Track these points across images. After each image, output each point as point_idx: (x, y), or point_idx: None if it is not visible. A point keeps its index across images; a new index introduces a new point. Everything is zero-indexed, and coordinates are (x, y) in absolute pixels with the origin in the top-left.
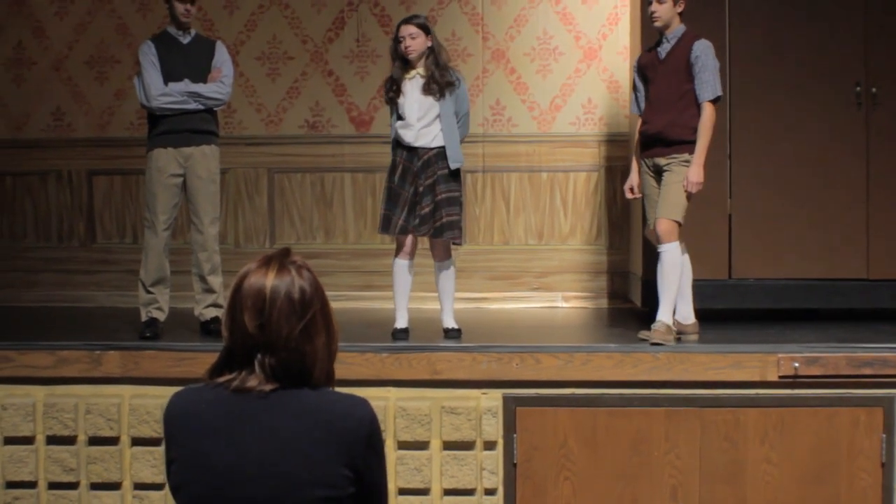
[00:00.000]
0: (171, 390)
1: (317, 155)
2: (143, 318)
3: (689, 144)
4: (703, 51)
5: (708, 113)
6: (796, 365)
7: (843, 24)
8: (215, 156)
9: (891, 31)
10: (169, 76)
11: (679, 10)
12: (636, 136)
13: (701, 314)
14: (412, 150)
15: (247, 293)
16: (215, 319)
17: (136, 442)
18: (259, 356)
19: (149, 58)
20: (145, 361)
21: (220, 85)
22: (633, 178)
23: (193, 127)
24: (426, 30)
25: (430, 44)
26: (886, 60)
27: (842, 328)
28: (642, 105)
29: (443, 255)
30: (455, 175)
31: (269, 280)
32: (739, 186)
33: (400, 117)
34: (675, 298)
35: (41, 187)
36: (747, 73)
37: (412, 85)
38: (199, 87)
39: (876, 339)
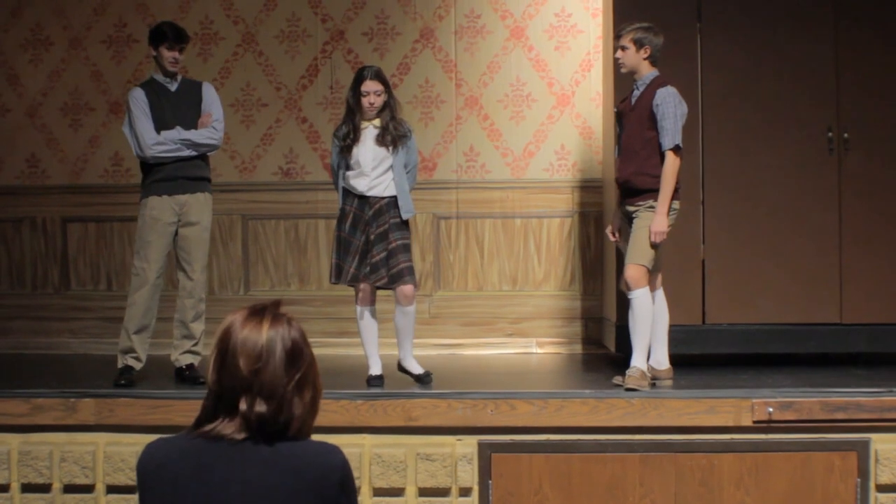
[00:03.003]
0: (146, 437)
1: (290, 202)
2: (119, 364)
3: (652, 193)
4: (664, 98)
5: (670, 161)
6: (770, 410)
7: (815, 69)
8: (209, 203)
9: (862, 76)
10: (159, 124)
11: (644, 56)
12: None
13: (675, 359)
14: (363, 199)
15: (242, 341)
16: (191, 366)
17: (112, 489)
18: (245, 401)
19: (140, 106)
20: (120, 409)
21: (212, 130)
22: (615, 222)
23: (188, 174)
24: (386, 83)
25: (387, 96)
26: (858, 106)
27: (816, 373)
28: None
29: (403, 301)
30: (406, 224)
31: (264, 331)
32: (712, 232)
33: (349, 167)
34: (648, 343)
35: (15, 234)
36: (720, 118)
37: (366, 135)
38: (192, 135)
39: (850, 383)
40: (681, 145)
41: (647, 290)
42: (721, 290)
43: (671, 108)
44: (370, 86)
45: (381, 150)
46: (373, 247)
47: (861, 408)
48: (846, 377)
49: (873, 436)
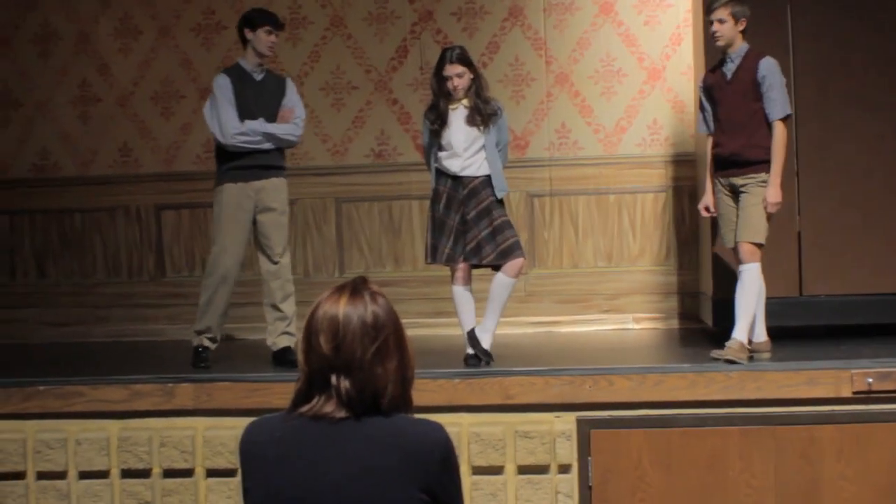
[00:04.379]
0: (244, 421)
1: (383, 183)
2: (195, 344)
3: (764, 164)
4: (769, 69)
5: (780, 132)
6: (870, 380)
7: None
8: (284, 188)
9: None
10: (241, 112)
11: (740, 28)
12: (708, 155)
13: (772, 332)
14: (457, 180)
15: (321, 318)
16: (287, 350)
17: (211, 473)
18: (334, 378)
19: (225, 93)
20: (218, 393)
21: (294, 126)
22: (708, 198)
23: (263, 163)
24: (469, 63)
25: (472, 76)
26: None
27: None
28: (711, 125)
29: (513, 272)
30: (501, 202)
31: (342, 305)
32: (808, 203)
33: (441, 147)
34: (753, 318)
35: (110, 223)
36: (813, 87)
37: (456, 115)
38: (275, 128)
39: None
40: (791, 114)
41: (758, 265)
42: (817, 262)
43: (777, 77)
44: (451, 69)
45: (473, 130)
46: (473, 226)
47: None
48: None
49: None
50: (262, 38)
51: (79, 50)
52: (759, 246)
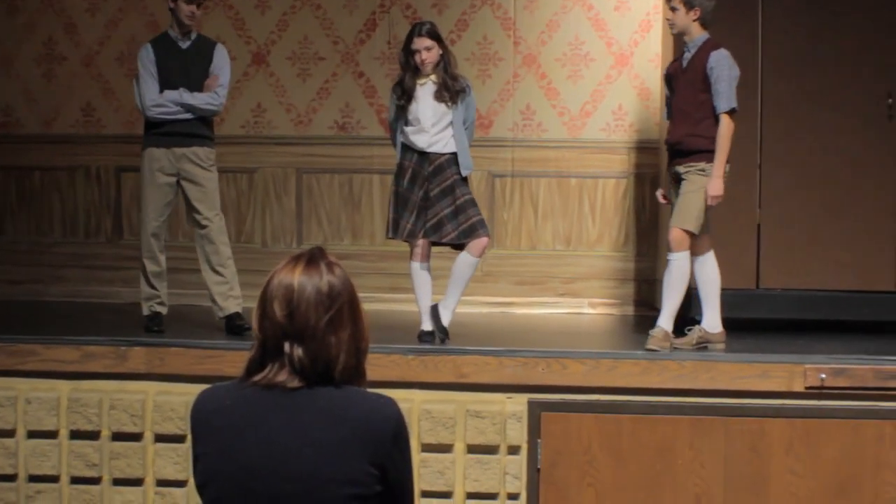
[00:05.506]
0: (196, 388)
1: (346, 156)
2: (146, 311)
3: (705, 154)
4: (719, 61)
5: (725, 124)
6: (823, 376)
7: (877, 34)
8: (208, 155)
9: None
10: (166, 83)
11: (694, 17)
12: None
13: (728, 323)
14: (423, 155)
15: (276, 286)
16: (237, 315)
17: (160, 438)
18: (287, 346)
19: (146, 66)
20: (171, 358)
21: (213, 96)
22: (665, 185)
23: (186, 131)
24: (438, 38)
25: (441, 52)
26: None
27: (869, 340)
28: (669, 113)
29: (476, 252)
30: (465, 179)
31: (297, 274)
32: (769, 196)
33: (408, 122)
34: (678, 307)
35: (69, 183)
36: (779, 82)
37: (424, 91)
38: (192, 99)
39: None
40: (736, 108)
41: (687, 254)
42: (776, 255)
43: (725, 70)
44: (419, 43)
45: (441, 106)
46: (435, 203)
47: None
48: None
49: None
50: (182, 8)
51: (45, 7)
52: (691, 235)
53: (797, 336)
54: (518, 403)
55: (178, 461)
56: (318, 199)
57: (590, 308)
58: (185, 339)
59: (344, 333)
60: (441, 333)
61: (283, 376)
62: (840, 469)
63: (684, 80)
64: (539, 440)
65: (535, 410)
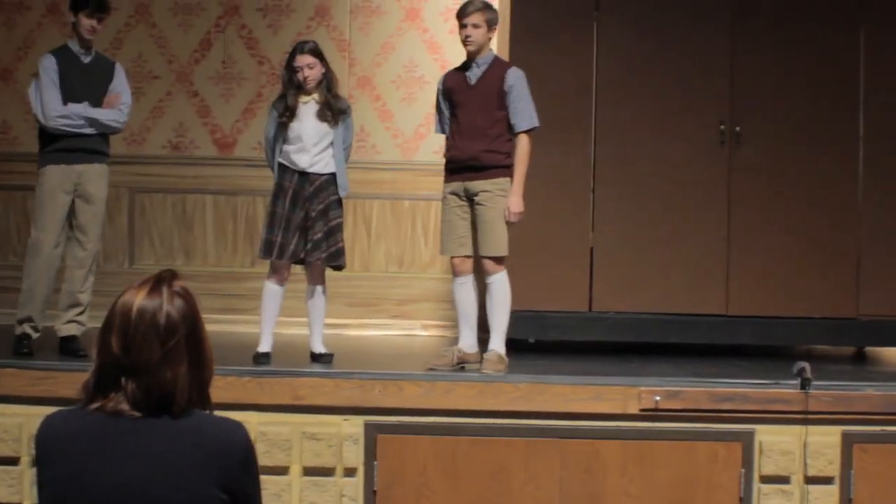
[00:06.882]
0: (29, 409)
1: (179, 176)
2: (17, 332)
3: (503, 169)
4: (518, 80)
5: (524, 143)
6: (657, 398)
7: (711, 61)
8: (105, 175)
9: (757, 70)
10: (67, 95)
11: (490, 36)
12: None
13: (562, 345)
14: (304, 176)
15: (117, 312)
16: (74, 339)
17: None
18: (123, 380)
19: (50, 74)
20: (5, 379)
21: (118, 112)
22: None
23: (87, 147)
24: (321, 56)
25: (324, 70)
26: (751, 100)
27: (702, 363)
28: (446, 128)
29: (319, 280)
30: (341, 202)
31: (138, 300)
32: (601, 220)
33: (287, 140)
34: (506, 326)
35: None
36: (613, 106)
37: (307, 109)
38: (98, 114)
39: (736, 374)
40: (538, 126)
41: (504, 272)
42: (609, 278)
43: (525, 89)
44: (302, 60)
45: (323, 126)
46: (314, 224)
47: (747, 399)
48: (732, 368)
49: (758, 427)
50: (83, 22)
51: None
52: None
53: (630, 359)
54: (354, 426)
55: (13, 484)
56: (151, 218)
57: (422, 330)
58: (20, 359)
59: (181, 367)
60: (325, 358)
61: (124, 406)
62: (674, 490)
63: (475, 96)
64: (375, 462)
65: (371, 433)
